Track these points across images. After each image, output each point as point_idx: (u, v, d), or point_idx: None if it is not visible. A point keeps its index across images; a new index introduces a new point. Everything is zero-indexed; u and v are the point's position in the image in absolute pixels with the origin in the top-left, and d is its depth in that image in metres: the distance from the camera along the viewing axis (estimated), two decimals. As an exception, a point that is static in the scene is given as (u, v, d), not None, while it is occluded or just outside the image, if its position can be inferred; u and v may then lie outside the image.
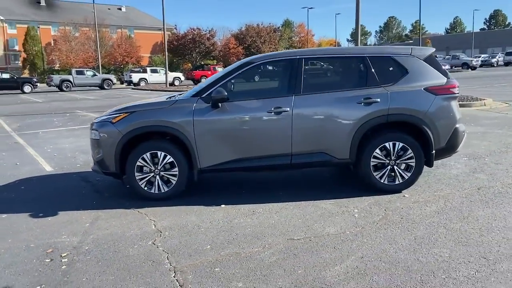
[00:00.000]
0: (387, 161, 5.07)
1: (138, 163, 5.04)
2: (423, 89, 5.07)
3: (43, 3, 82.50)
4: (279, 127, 5.02)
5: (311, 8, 65.40)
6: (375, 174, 5.09)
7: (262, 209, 4.75)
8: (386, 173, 5.09)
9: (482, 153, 7.02)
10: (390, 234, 3.98)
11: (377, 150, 5.04)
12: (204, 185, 5.79)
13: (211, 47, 66.08)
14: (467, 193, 5.07)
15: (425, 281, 3.12)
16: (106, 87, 37.36)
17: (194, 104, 5.04)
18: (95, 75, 38.45)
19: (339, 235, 3.99)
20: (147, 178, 5.08)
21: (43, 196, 5.52)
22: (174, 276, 3.31)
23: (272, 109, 4.98)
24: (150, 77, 40.21)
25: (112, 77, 40.02)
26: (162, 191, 5.10)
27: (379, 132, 5.09)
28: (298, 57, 5.21)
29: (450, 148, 5.21)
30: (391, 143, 5.03)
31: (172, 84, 38.68)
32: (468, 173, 5.90)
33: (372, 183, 5.12)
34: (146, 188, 5.10)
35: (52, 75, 39.87)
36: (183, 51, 65.42)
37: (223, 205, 4.90)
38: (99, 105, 19.95)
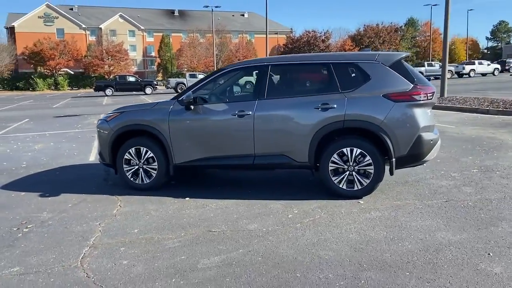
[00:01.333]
0: (346, 167, 5.09)
1: (125, 157, 5.83)
2: (382, 95, 4.98)
3: (176, 13, 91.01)
4: (242, 129, 5.36)
5: (435, 5, 60.92)
6: (333, 179, 5.14)
7: (215, 204, 5.16)
8: (345, 178, 5.12)
9: (500, 167, 6.39)
10: (299, 234, 4.12)
11: (335, 155, 5.09)
12: (196, 180, 6.38)
13: (325, 49, 66.02)
14: (427, 205, 4.84)
15: (277, 277, 3.30)
16: (215, 89, 40.01)
17: (171, 106, 5.66)
18: (206, 78, 41.44)
19: (254, 232, 4.25)
20: (132, 170, 5.84)
21: (64, 180, 6.63)
22: (85, 250, 3.96)
23: (236, 112, 5.36)
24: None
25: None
26: (145, 182, 5.82)
27: (338, 137, 5.14)
28: (265, 64, 5.50)
29: (413, 156, 5.02)
30: (348, 149, 5.05)
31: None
32: (456, 186, 5.53)
33: (331, 187, 5.19)
34: (132, 179, 5.87)
35: (169, 79, 44.09)
36: (297, 53, 66.51)
37: (187, 198, 5.43)
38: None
